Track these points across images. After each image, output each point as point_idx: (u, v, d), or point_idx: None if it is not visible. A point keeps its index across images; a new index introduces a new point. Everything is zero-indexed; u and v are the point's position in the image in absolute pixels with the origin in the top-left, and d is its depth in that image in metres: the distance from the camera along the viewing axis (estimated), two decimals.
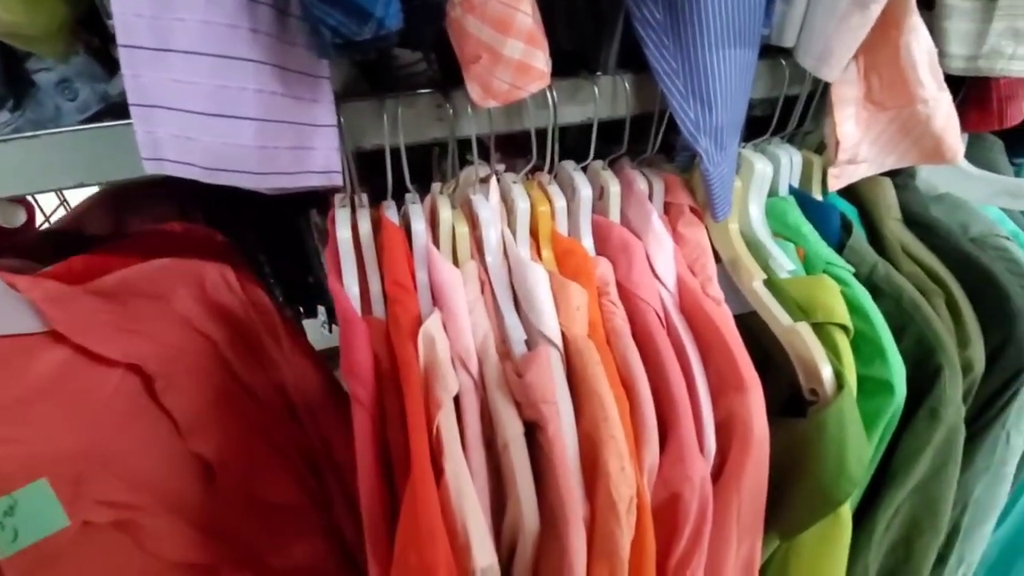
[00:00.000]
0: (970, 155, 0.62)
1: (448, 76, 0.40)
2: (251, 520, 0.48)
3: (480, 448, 0.38)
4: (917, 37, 0.45)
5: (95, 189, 0.58)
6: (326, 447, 0.50)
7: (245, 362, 0.48)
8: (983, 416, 0.53)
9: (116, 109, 0.42)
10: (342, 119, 0.39)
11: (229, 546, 0.46)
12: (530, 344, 0.43)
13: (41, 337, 0.39)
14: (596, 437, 0.36)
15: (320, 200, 0.85)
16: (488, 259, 0.44)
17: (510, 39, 0.32)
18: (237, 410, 0.47)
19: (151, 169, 0.33)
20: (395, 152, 0.42)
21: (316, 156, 0.35)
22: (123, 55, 0.30)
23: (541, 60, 0.34)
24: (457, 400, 0.39)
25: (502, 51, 0.33)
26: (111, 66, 0.43)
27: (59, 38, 0.37)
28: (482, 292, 0.45)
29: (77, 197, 0.58)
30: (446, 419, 0.37)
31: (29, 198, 0.54)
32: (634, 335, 0.44)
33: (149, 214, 0.57)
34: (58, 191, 0.57)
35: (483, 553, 0.34)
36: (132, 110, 0.32)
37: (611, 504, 0.35)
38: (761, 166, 0.51)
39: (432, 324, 0.40)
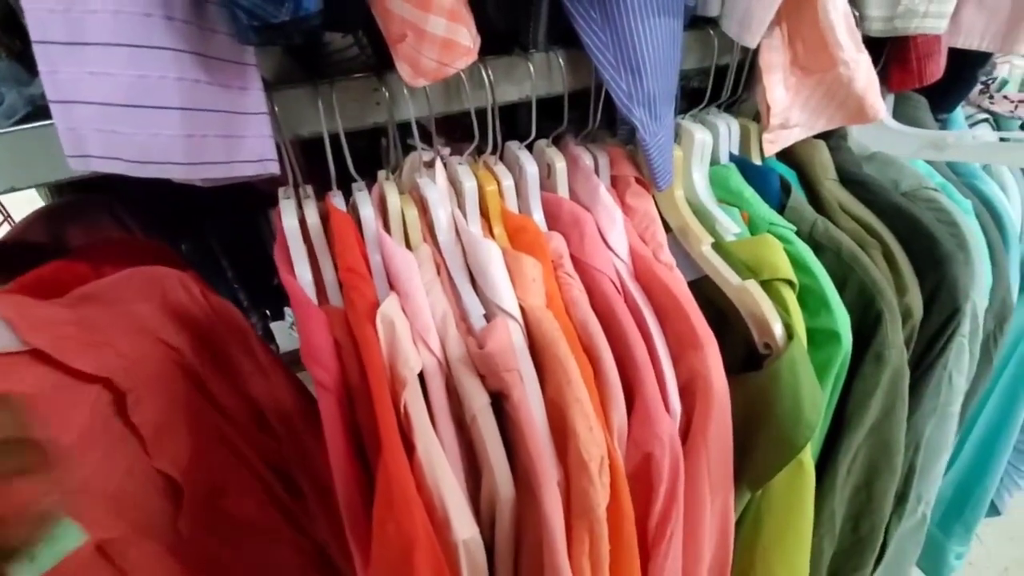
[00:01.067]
0: (897, 114, 0.65)
1: (382, 60, 0.40)
2: (221, 540, 0.46)
3: (449, 424, 0.38)
4: (834, 2, 0.47)
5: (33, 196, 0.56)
6: (302, 457, 0.48)
7: (211, 371, 0.46)
8: (925, 359, 0.56)
9: (43, 112, 0.41)
10: (276, 107, 0.38)
11: (205, 570, 0.45)
12: (488, 319, 0.43)
13: (21, 356, 0.37)
14: (562, 401, 0.37)
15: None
16: (440, 239, 0.44)
17: (432, 16, 0.32)
18: (203, 423, 0.45)
19: (76, 166, 0.32)
20: (336, 139, 0.41)
21: (248, 144, 0.34)
22: (38, 51, 0.30)
23: (466, 36, 0.34)
24: (422, 379, 0.39)
25: (425, 28, 0.33)
26: (34, 69, 0.42)
27: None
28: (438, 273, 0.45)
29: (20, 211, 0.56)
30: (412, 396, 0.37)
31: None
32: (592, 304, 0.44)
33: (87, 226, 0.55)
34: None
35: (463, 525, 0.34)
36: (52, 107, 0.31)
37: (582, 464, 0.35)
38: (700, 135, 0.53)
39: (389, 306, 0.40)
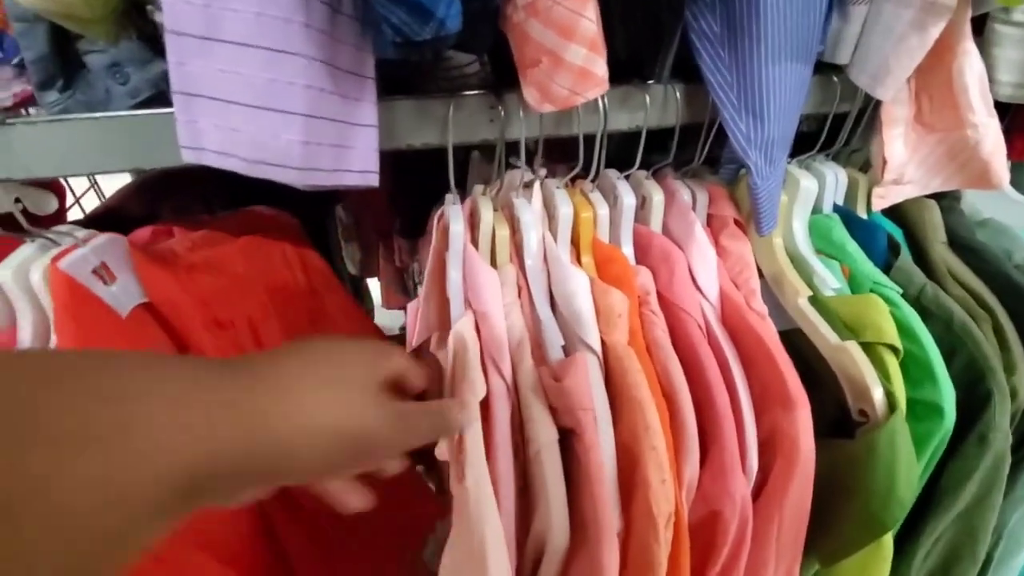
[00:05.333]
0: (1014, 182, 0.61)
1: (500, 78, 0.40)
2: None
3: (508, 454, 0.37)
4: (970, 62, 0.45)
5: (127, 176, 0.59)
6: None
7: None
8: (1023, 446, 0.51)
9: (167, 96, 0.42)
10: (393, 115, 0.39)
11: None
12: (567, 350, 0.42)
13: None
14: (636, 447, 0.35)
15: (340, 197, 0.85)
16: (527, 263, 0.44)
17: (573, 44, 0.32)
18: None
19: (190, 159, 0.32)
20: (444, 152, 0.42)
21: (355, 155, 0.34)
22: (169, 41, 0.30)
23: (601, 67, 0.34)
24: (487, 403, 0.38)
25: (564, 56, 0.32)
26: (158, 48, 0.43)
27: (112, 21, 0.37)
28: (519, 296, 0.44)
29: (106, 182, 0.59)
30: (469, 424, 0.36)
31: (62, 181, 0.54)
32: (675, 346, 0.43)
33: (178, 201, 0.57)
34: (106, 174, 0.58)
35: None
36: (174, 97, 0.31)
37: (650, 518, 0.34)
38: (806, 182, 0.51)
39: (463, 325, 0.39)
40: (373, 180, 0.36)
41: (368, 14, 0.30)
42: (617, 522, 0.35)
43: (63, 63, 0.42)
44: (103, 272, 0.39)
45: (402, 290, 1.22)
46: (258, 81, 0.30)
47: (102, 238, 0.40)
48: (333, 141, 0.33)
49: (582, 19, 0.32)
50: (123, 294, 0.40)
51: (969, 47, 0.45)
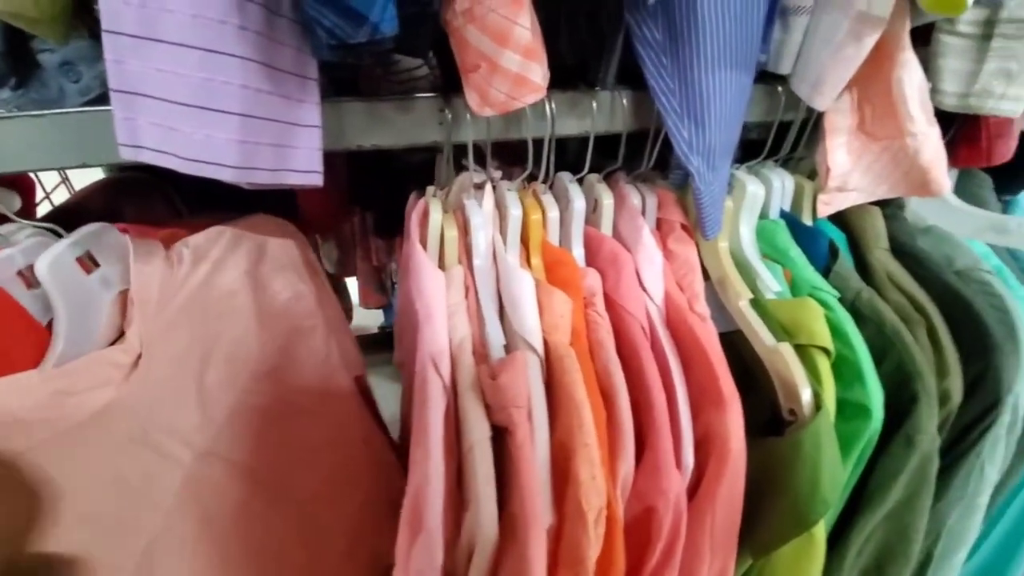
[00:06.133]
0: (960, 190, 0.63)
1: (449, 81, 0.41)
2: None
3: (439, 450, 0.37)
4: (909, 72, 0.46)
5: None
6: None
7: None
8: (959, 446, 0.53)
9: None
10: (341, 118, 0.39)
11: None
12: (510, 350, 0.43)
13: None
14: (569, 444, 0.36)
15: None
16: (476, 263, 0.45)
17: (508, 51, 0.33)
18: None
19: (127, 156, 0.33)
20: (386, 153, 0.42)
21: (298, 155, 0.35)
22: (107, 40, 0.30)
23: (538, 73, 0.35)
24: (424, 401, 0.38)
25: (500, 62, 0.33)
26: None
27: (61, 21, 0.37)
28: (466, 296, 0.45)
29: (77, 177, 0.59)
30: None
31: (32, 176, 0.54)
32: (618, 347, 0.44)
33: (140, 201, 0.58)
34: (59, 170, 0.58)
35: None
36: (112, 96, 0.31)
37: (580, 513, 0.35)
38: (753, 188, 0.52)
39: None
40: (317, 180, 0.36)
41: (302, 17, 0.31)
42: (549, 517, 0.36)
43: (16, 62, 0.43)
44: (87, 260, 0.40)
45: (379, 289, 1.23)
46: (194, 80, 0.30)
47: (35, 241, 0.40)
48: (273, 141, 0.34)
49: (516, 26, 0.32)
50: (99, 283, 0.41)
51: (909, 57, 0.46)
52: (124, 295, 0.41)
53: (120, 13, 0.30)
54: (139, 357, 0.38)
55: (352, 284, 1.18)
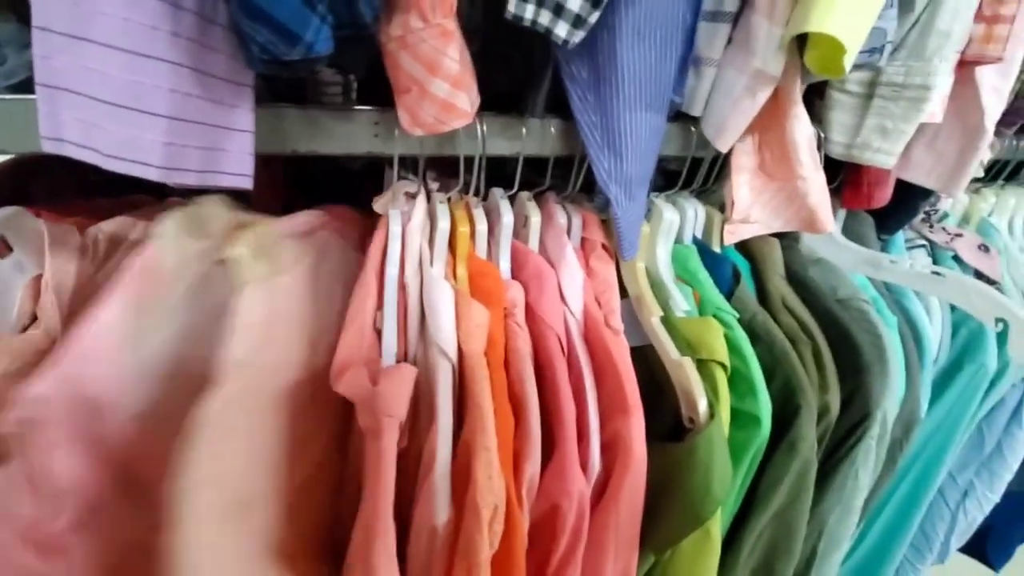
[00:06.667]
0: (846, 229, 0.71)
1: (380, 97, 0.43)
2: None
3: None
4: (799, 124, 0.53)
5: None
6: None
7: None
8: (836, 454, 0.60)
9: None
10: (282, 123, 0.41)
11: None
12: (423, 357, 0.45)
13: None
14: (472, 446, 0.39)
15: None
16: (389, 272, 0.46)
17: (437, 79, 0.36)
18: None
19: (49, 148, 0.32)
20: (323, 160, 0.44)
21: (229, 158, 0.36)
22: (36, 36, 0.30)
23: (465, 101, 0.37)
24: None
25: (429, 88, 0.36)
26: None
27: None
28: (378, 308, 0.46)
29: None
30: None
31: None
32: (536, 356, 0.47)
33: (50, 182, 0.56)
34: None
35: None
36: (37, 89, 0.31)
37: (475, 510, 0.37)
38: (669, 215, 0.58)
39: None
40: (247, 183, 0.37)
41: (236, 31, 0.32)
42: (447, 512, 0.38)
43: None
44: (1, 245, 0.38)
45: None
46: (122, 81, 0.31)
47: None
48: (203, 144, 0.34)
49: (445, 58, 0.35)
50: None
51: (799, 112, 0.53)
52: (37, 280, 0.40)
53: (52, 9, 0.30)
54: (53, 343, 0.38)
55: None
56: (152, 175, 0.33)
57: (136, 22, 0.30)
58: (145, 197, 0.48)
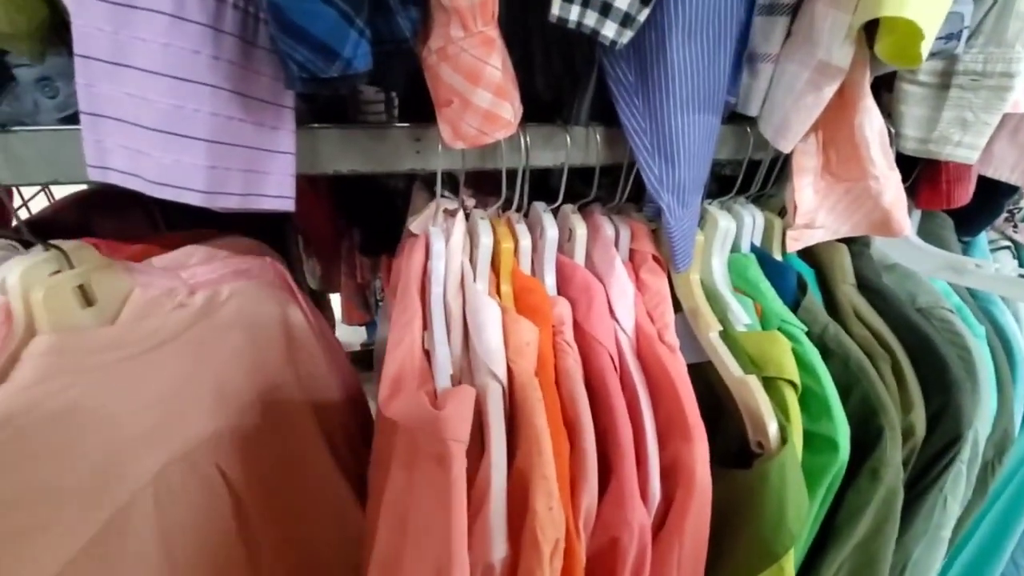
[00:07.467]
0: (923, 230, 0.66)
1: (421, 113, 0.42)
2: None
3: None
4: (870, 119, 0.48)
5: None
6: None
7: None
8: (922, 480, 0.54)
9: None
10: (318, 143, 0.40)
11: None
12: (472, 377, 0.43)
13: None
14: (528, 474, 0.36)
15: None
16: (434, 291, 0.45)
17: (479, 89, 0.34)
18: None
19: (95, 176, 0.33)
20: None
21: (271, 180, 0.35)
22: (78, 64, 0.31)
23: (508, 111, 0.36)
24: None
25: (471, 99, 0.34)
26: None
27: (37, 38, 0.37)
28: (424, 328, 0.44)
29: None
30: None
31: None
32: (586, 376, 0.45)
33: (116, 214, 0.57)
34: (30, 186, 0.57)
35: None
36: (82, 117, 0.32)
37: (535, 543, 0.34)
38: (725, 223, 0.54)
39: None
40: (289, 205, 0.37)
41: (275, 50, 0.31)
42: (504, 548, 0.35)
43: None
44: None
45: (363, 306, 1.22)
46: (163, 106, 0.31)
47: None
48: (244, 167, 0.34)
49: (487, 67, 0.34)
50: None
51: (869, 105, 0.49)
52: None
53: (93, 38, 0.30)
54: None
55: (336, 300, 1.18)
56: (195, 200, 0.32)
57: (177, 47, 0.30)
58: (208, 231, 0.48)
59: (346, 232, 1.04)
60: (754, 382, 0.45)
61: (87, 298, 0.38)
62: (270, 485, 0.45)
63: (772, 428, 0.43)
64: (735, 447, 0.47)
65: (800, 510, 0.42)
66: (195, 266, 0.45)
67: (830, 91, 0.44)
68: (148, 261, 0.45)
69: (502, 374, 0.40)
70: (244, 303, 0.45)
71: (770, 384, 0.46)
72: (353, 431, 0.56)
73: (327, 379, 0.53)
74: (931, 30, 0.40)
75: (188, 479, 0.39)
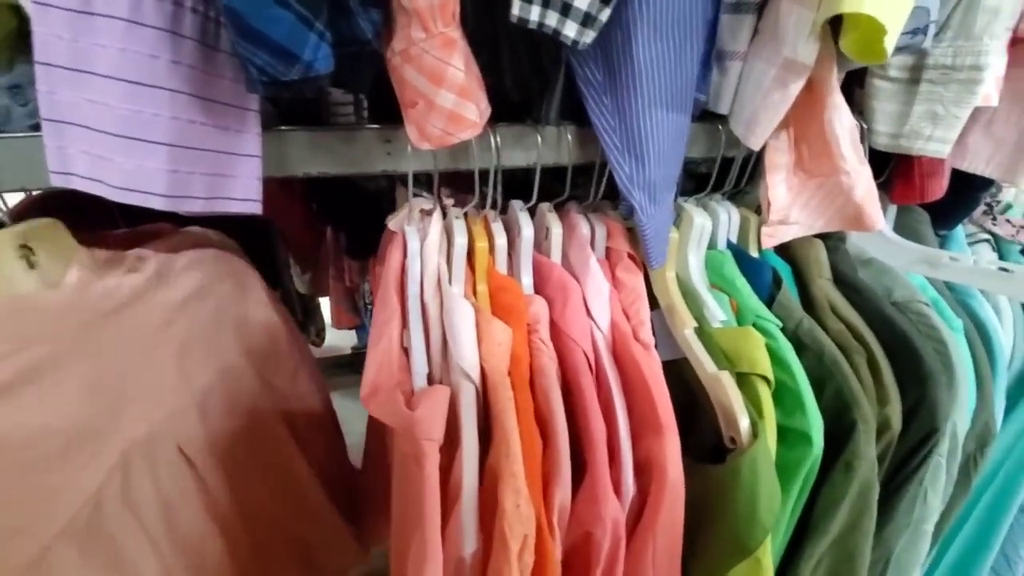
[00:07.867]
0: (899, 225, 0.66)
1: (390, 115, 0.42)
2: None
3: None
4: (839, 115, 0.49)
5: None
6: None
7: None
8: (901, 473, 0.55)
9: None
10: (289, 146, 0.40)
11: None
12: (445, 378, 0.43)
13: None
14: (498, 472, 0.37)
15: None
16: (410, 291, 0.45)
17: (442, 90, 0.34)
18: None
19: (58, 183, 0.33)
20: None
21: (236, 183, 0.36)
22: (39, 71, 0.31)
23: (473, 112, 0.36)
24: None
25: (435, 100, 0.35)
26: None
27: (6, 47, 0.38)
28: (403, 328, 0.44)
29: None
30: None
31: None
32: (562, 373, 0.45)
33: (80, 214, 0.57)
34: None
35: None
36: (43, 124, 0.32)
37: (503, 540, 0.35)
38: (700, 220, 0.54)
39: None
40: (255, 208, 0.37)
41: (235, 53, 0.31)
42: (473, 543, 0.36)
43: None
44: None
45: (352, 309, 1.22)
46: (123, 112, 0.31)
47: None
48: (208, 170, 0.34)
49: (449, 67, 0.34)
50: None
51: (838, 101, 0.49)
52: None
53: (53, 45, 0.30)
54: None
55: (325, 304, 1.18)
56: (158, 204, 0.32)
57: (133, 51, 0.30)
58: (164, 226, 0.48)
59: (325, 236, 1.04)
60: (727, 378, 0.45)
61: (29, 261, 0.38)
62: (231, 464, 0.45)
63: (744, 423, 0.44)
64: (710, 443, 0.47)
65: (772, 504, 0.43)
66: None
67: (796, 88, 0.44)
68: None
69: (475, 375, 0.41)
70: (203, 277, 0.44)
71: (743, 380, 0.47)
72: (317, 410, 0.55)
73: (289, 359, 0.53)
74: (894, 25, 0.40)
75: (152, 464, 0.40)
